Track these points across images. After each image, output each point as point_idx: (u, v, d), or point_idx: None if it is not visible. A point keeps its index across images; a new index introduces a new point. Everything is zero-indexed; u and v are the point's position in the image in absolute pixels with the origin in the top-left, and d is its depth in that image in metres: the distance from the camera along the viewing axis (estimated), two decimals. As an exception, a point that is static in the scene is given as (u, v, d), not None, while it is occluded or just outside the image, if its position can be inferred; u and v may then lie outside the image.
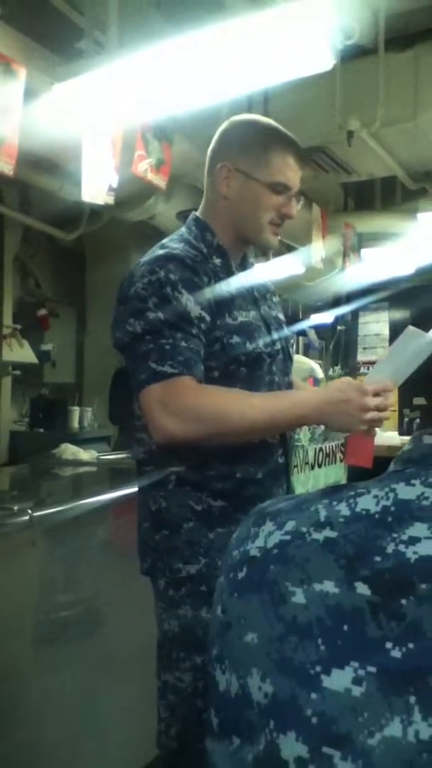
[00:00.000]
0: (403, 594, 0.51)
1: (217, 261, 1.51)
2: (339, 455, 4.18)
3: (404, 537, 0.54)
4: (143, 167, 3.32)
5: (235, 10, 2.53)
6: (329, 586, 0.54)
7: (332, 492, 0.62)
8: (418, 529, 0.54)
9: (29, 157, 2.86)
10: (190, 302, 1.38)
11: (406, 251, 5.67)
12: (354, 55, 3.71)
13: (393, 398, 1.45)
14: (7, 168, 2.68)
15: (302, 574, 0.56)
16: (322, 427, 2.96)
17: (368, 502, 0.58)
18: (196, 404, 1.34)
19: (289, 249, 5.41)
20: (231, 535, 1.45)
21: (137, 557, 1.55)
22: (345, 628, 0.52)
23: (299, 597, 0.55)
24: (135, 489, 1.58)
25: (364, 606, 0.52)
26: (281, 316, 1.67)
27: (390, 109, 3.78)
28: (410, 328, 1.37)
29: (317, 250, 5.03)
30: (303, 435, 3.07)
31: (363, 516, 0.57)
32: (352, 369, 7.52)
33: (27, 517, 1.90)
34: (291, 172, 1.52)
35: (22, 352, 5.30)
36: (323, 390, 1.44)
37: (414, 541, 0.53)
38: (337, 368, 7.50)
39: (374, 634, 0.51)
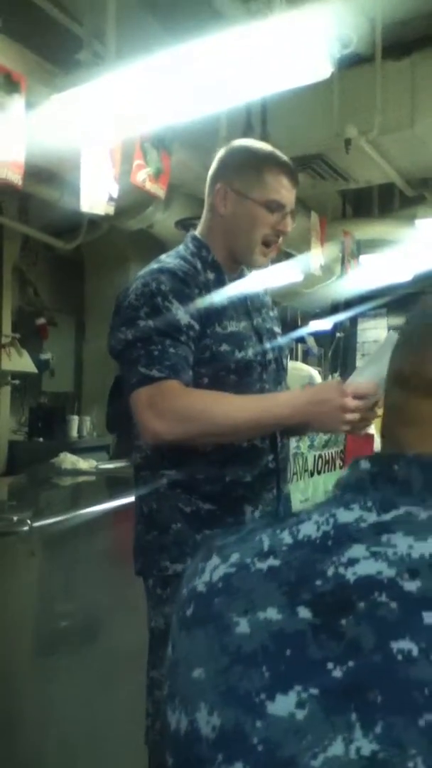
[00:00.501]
0: (342, 614, 0.52)
1: (211, 276, 1.58)
2: (338, 462, 4.18)
3: (344, 559, 0.55)
4: (142, 176, 3.33)
5: (233, 20, 2.54)
6: (272, 613, 0.54)
7: (276, 521, 0.63)
8: (356, 550, 0.55)
9: (29, 167, 2.87)
10: (179, 311, 1.46)
11: (405, 258, 5.68)
12: (351, 63, 3.73)
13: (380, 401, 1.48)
14: (16, 179, 2.70)
15: (246, 604, 0.56)
16: (321, 434, 2.96)
17: (310, 528, 0.59)
18: (181, 405, 1.41)
19: (288, 256, 5.42)
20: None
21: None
22: (288, 652, 0.52)
23: (243, 627, 0.55)
24: (133, 498, 1.60)
25: (306, 629, 0.52)
26: (277, 329, 1.73)
27: (387, 116, 3.80)
28: (391, 332, 1.42)
29: (316, 257, 5.05)
30: (302, 443, 3.07)
31: (305, 542, 0.58)
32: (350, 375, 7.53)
33: (26, 528, 1.89)
34: (285, 190, 1.59)
35: (21, 362, 5.30)
36: (306, 391, 1.48)
37: (353, 562, 0.54)
38: (336, 375, 7.52)
39: (315, 655, 0.51)
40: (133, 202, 4.32)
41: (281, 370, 1.68)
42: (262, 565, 0.58)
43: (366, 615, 0.51)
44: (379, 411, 1.46)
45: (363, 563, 0.54)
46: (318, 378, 5.52)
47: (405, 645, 0.49)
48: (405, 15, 3.58)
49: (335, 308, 7.59)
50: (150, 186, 3.41)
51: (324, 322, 7.75)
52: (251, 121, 3.78)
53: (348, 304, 7.34)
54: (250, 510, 1.54)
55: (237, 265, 1.66)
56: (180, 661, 0.59)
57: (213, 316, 1.52)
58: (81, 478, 3.12)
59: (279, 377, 1.66)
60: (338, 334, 7.87)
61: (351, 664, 0.50)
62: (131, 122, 3.01)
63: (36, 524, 1.94)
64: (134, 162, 3.29)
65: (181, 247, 1.64)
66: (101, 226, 4.96)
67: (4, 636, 1.91)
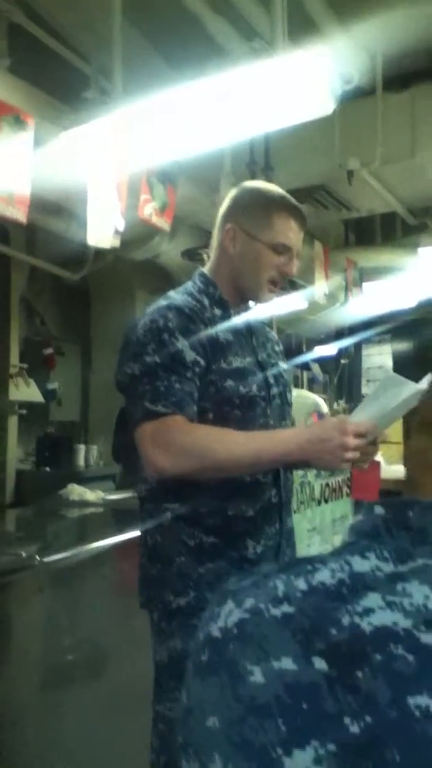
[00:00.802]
0: (358, 666, 0.51)
1: (217, 312, 1.62)
2: (345, 490, 4.17)
3: (359, 608, 0.54)
4: (148, 211, 3.38)
5: (237, 58, 2.59)
6: (287, 663, 0.53)
7: (290, 566, 0.61)
8: (372, 599, 0.54)
9: (37, 200, 2.92)
10: (185, 347, 1.49)
11: (408, 285, 5.71)
12: (352, 96, 3.78)
13: (384, 436, 1.53)
14: (20, 215, 2.74)
15: (260, 652, 0.55)
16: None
17: (324, 575, 0.58)
18: (184, 440, 1.44)
19: (293, 285, 5.46)
20: (221, 570, 1.49)
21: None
22: (304, 705, 0.50)
23: (257, 676, 0.53)
24: (140, 532, 1.61)
25: (321, 681, 0.51)
26: (282, 364, 1.75)
27: (389, 147, 3.85)
28: (389, 373, 1.44)
29: (320, 286, 5.08)
30: (309, 471, 3.07)
31: (319, 589, 0.57)
32: (356, 402, 7.53)
33: (35, 564, 1.89)
34: (292, 233, 1.63)
35: (29, 391, 5.33)
36: (306, 428, 1.53)
37: (368, 611, 0.53)
38: (342, 402, 7.52)
39: (332, 709, 0.50)
40: (139, 234, 4.36)
41: (285, 405, 1.71)
42: (277, 612, 0.57)
43: (382, 668, 0.50)
44: (380, 447, 1.47)
45: (379, 613, 0.53)
46: (324, 406, 5.54)
47: (423, 701, 0.48)
48: (404, 49, 3.64)
49: (339, 334, 7.62)
50: (156, 220, 3.46)
51: (328, 348, 7.76)
52: (254, 155, 3.83)
53: (352, 330, 7.37)
54: (252, 544, 1.55)
55: (243, 301, 1.69)
56: (194, 709, 0.57)
57: (218, 352, 1.55)
58: (88, 510, 3.12)
59: (283, 412, 1.69)
60: (343, 361, 7.88)
61: (368, 719, 0.48)
62: (137, 157, 3.07)
63: (45, 560, 1.94)
64: (141, 196, 3.34)
65: (189, 284, 1.68)
66: (107, 256, 5.01)
67: (13, 670, 1.91)
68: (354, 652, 0.51)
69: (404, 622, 0.52)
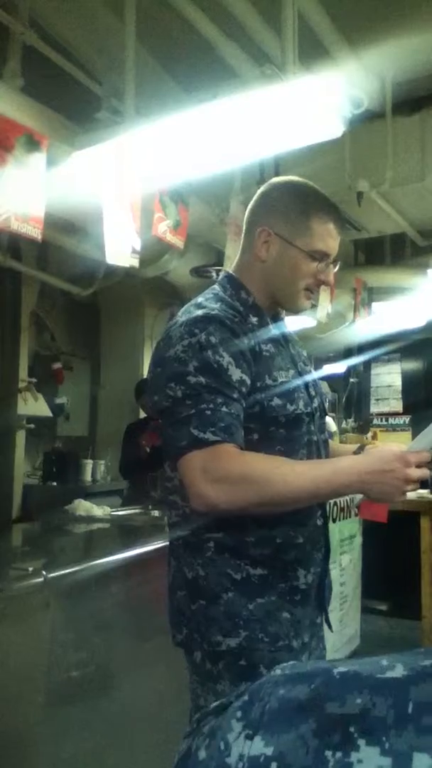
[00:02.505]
0: None
1: (254, 320, 1.49)
2: (353, 510, 4.17)
3: None
4: (162, 228, 3.43)
5: (249, 82, 2.63)
6: None
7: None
8: None
9: (48, 218, 2.95)
10: (231, 366, 1.36)
11: (417, 305, 5.73)
12: (363, 119, 3.82)
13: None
14: (36, 233, 2.78)
15: None
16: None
17: None
18: (238, 472, 1.30)
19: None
20: (271, 605, 1.39)
21: (149, 616, 1.55)
22: None
23: None
24: (148, 548, 1.59)
25: None
26: (313, 371, 1.64)
27: (398, 170, 3.88)
28: None
29: (324, 306, 5.10)
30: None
31: None
32: (365, 421, 7.52)
33: (41, 579, 1.90)
34: (331, 239, 1.51)
35: (37, 406, 5.36)
36: (366, 458, 1.37)
37: None
38: (350, 421, 7.51)
39: None
40: (149, 251, 4.41)
41: (323, 416, 1.60)
42: None
43: None
44: None
45: None
46: (332, 425, 5.54)
47: None
48: (414, 73, 3.68)
49: (348, 353, 7.63)
50: (170, 237, 3.50)
51: (337, 366, 7.77)
52: (264, 174, 3.87)
53: (361, 348, 7.38)
54: (303, 573, 1.45)
55: (275, 307, 1.57)
56: None
57: (262, 367, 1.43)
58: (95, 526, 3.13)
59: (323, 426, 1.59)
60: (352, 379, 7.88)
61: None
62: (150, 177, 3.11)
63: (51, 575, 1.94)
64: (155, 215, 3.38)
65: (217, 288, 1.54)
66: (117, 273, 5.05)
67: (18, 686, 1.91)
68: None
69: None
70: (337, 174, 3.96)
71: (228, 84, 2.86)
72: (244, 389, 1.38)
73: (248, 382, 1.39)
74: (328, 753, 0.38)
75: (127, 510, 3.65)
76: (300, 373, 1.53)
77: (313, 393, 1.55)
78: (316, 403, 1.55)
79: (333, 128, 2.57)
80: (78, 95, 3.38)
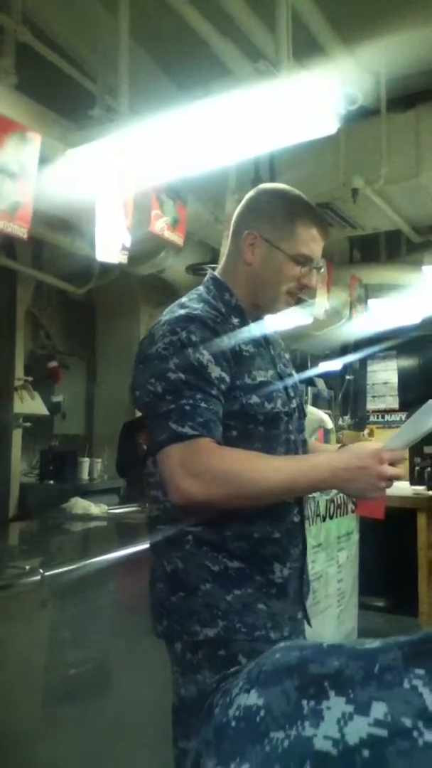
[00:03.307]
0: None
1: (236, 321, 1.54)
2: (350, 506, 4.17)
3: None
4: (160, 225, 3.42)
5: (243, 78, 2.63)
6: None
7: (424, 654, 0.45)
8: None
9: (43, 216, 2.95)
10: (210, 363, 1.40)
11: (413, 302, 5.73)
12: (357, 116, 3.83)
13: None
14: (22, 232, 2.77)
15: None
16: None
17: None
18: (216, 466, 1.34)
19: (297, 300, 5.47)
20: (248, 597, 1.43)
21: (147, 616, 1.53)
22: None
23: None
24: (146, 546, 1.58)
25: None
26: (293, 373, 1.68)
27: (393, 167, 3.89)
28: (430, 402, 1.40)
29: (321, 303, 5.10)
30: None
31: None
32: (361, 418, 7.53)
33: (38, 577, 1.90)
34: (315, 244, 1.55)
35: (33, 404, 5.35)
36: (341, 455, 1.42)
37: None
38: (347, 418, 7.52)
39: None
40: (145, 249, 4.40)
41: (302, 417, 1.64)
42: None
43: None
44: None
45: None
46: (329, 422, 5.55)
47: None
48: (408, 70, 3.68)
49: (345, 350, 7.63)
50: (168, 235, 3.50)
51: (333, 364, 7.78)
52: (259, 172, 3.87)
53: (357, 346, 7.39)
54: (279, 567, 1.48)
55: (257, 309, 1.61)
56: None
57: (242, 366, 1.47)
58: (92, 524, 3.12)
59: (301, 425, 1.63)
60: (348, 377, 7.89)
61: None
62: (144, 175, 3.11)
63: (48, 573, 1.94)
64: (152, 212, 3.38)
65: (201, 289, 1.59)
66: (113, 271, 5.05)
67: (15, 685, 1.91)
68: None
69: None
70: (332, 171, 3.97)
71: (222, 81, 2.87)
72: (223, 386, 1.41)
73: (227, 380, 1.42)
74: (304, 702, 0.46)
75: (124, 508, 3.64)
76: (279, 374, 1.58)
77: (291, 393, 1.59)
78: (294, 404, 1.59)
79: (327, 125, 2.57)
80: (72, 92, 3.38)
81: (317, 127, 2.58)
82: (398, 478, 1.40)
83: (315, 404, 7.01)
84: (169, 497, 1.38)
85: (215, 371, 1.40)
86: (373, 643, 0.49)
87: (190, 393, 1.37)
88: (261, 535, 1.46)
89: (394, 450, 1.40)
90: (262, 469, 1.36)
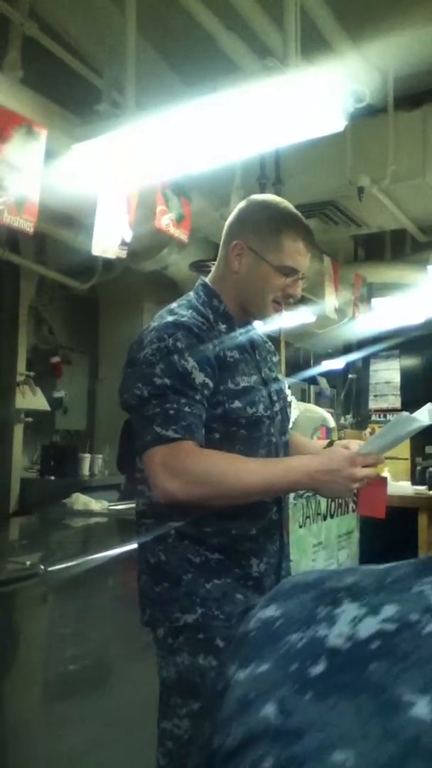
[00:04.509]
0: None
1: (222, 327, 1.59)
2: (351, 505, 4.16)
3: None
4: (166, 221, 3.42)
5: (250, 75, 2.61)
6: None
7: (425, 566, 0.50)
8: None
9: (47, 210, 2.94)
10: (195, 369, 1.46)
11: (417, 301, 5.72)
12: (364, 114, 3.81)
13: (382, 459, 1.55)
14: (28, 226, 2.77)
15: (423, 678, 0.42)
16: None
17: None
18: (196, 467, 1.42)
19: (303, 299, 5.47)
20: (227, 586, 1.49)
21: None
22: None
23: (422, 709, 0.40)
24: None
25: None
26: (280, 377, 1.75)
27: (399, 165, 3.87)
28: (403, 414, 1.49)
29: (330, 300, 5.09)
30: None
31: None
32: (363, 417, 7.52)
33: (39, 573, 1.90)
34: (300, 256, 1.60)
35: (35, 400, 5.35)
36: (316, 457, 1.51)
37: None
38: (349, 416, 7.51)
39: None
40: (148, 245, 4.40)
41: (286, 420, 1.71)
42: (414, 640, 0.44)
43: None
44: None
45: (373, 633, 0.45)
46: (331, 421, 5.54)
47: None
48: (416, 68, 3.66)
49: (348, 349, 7.63)
50: (173, 230, 3.50)
51: (336, 362, 7.77)
52: (265, 169, 3.85)
53: (360, 345, 7.37)
54: (256, 562, 1.55)
55: (246, 315, 1.66)
56: (304, 732, 0.44)
57: (226, 371, 1.53)
58: (93, 520, 3.12)
59: (284, 428, 1.68)
60: (350, 376, 7.87)
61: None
62: (149, 170, 3.09)
63: (49, 569, 1.94)
64: (157, 208, 3.37)
65: (192, 295, 1.64)
66: (116, 267, 5.04)
67: (17, 680, 1.91)
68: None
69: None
70: (338, 169, 3.95)
71: (229, 77, 2.85)
72: (206, 392, 1.48)
73: (211, 385, 1.49)
74: (320, 608, 0.50)
75: (124, 504, 3.64)
76: (264, 379, 1.64)
77: (275, 398, 1.65)
78: (277, 408, 1.65)
79: (334, 122, 2.56)
80: (78, 87, 3.37)
81: (324, 125, 2.56)
82: (369, 478, 1.49)
83: (317, 402, 7.01)
84: (153, 494, 1.46)
85: (199, 377, 1.46)
86: (386, 566, 0.54)
87: (175, 398, 1.43)
88: (239, 532, 1.53)
89: (367, 454, 1.48)
90: (239, 471, 1.44)
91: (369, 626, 0.46)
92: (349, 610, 0.49)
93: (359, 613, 0.48)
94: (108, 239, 3.16)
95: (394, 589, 0.49)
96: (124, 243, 3.27)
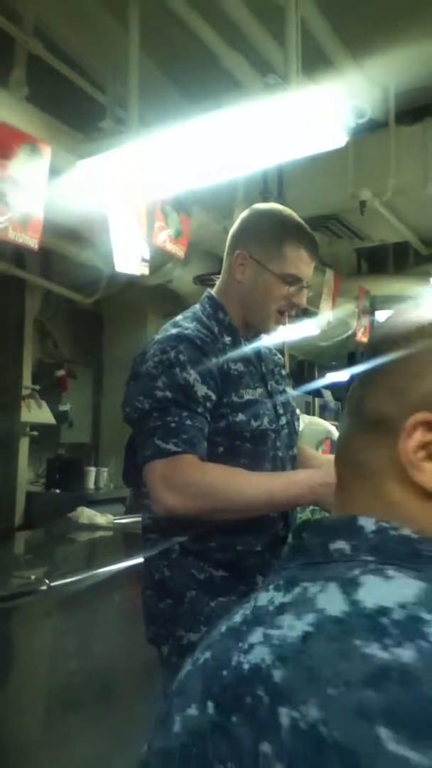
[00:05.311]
0: (235, 710, 0.46)
1: (227, 339, 1.58)
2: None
3: (245, 646, 0.49)
4: (162, 238, 3.44)
5: (252, 92, 2.64)
6: (192, 710, 0.50)
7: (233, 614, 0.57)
8: (257, 635, 0.50)
9: (52, 226, 2.96)
10: (197, 382, 1.45)
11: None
12: (366, 128, 3.84)
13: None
14: (33, 242, 2.79)
15: (183, 700, 0.52)
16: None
17: (237, 615, 0.55)
18: (195, 481, 1.40)
19: (304, 311, 5.48)
20: (232, 604, 1.48)
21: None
22: (194, 750, 0.48)
23: (177, 725, 0.51)
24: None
25: (207, 727, 0.47)
26: (289, 389, 1.72)
27: (401, 179, 3.89)
28: None
29: (325, 314, 5.10)
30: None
31: (230, 629, 0.53)
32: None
33: (44, 587, 1.90)
34: (303, 265, 1.58)
35: (40, 413, 5.35)
36: (318, 471, 1.47)
37: (251, 648, 0.49)
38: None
39: (210, 755, 0.46)
40: (152, 259, 4.41)
41: (293, 433, 1.67)
42: (200, 658, 0.54)
43: (249, 712, 0.45)
44: None
45: (256, 649, 0.48)
46: (336, 433, 5.53)
47: (266, 748, 0.43)
48: (417, 83, 3.69)
49: (352, 361, 7.62)
50: (170, 247, 3.52)
51: (340, 374, 7.77)
52: (268, 183, 3.88)
53: (365, 357, 7.36)
54: (262, 579, 1.51)
55: (252, 327, 1.64)
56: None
57: (230, 384, 1.51)
58: (98, 534, 3.13)
59: (291, 442, 1.65)
60: (355, 387, 7.86)
61: (230, 766, 0.45)
62: (154, 186, 3.12)
63: (54, 583, 1.94)
64: (156, 224, 3.39)
65: (197, 307, 1.63)
66: (120, 281, 5.06)
67: (20, 695, 1.91)
68: (234, 694, 0.47)
69: (268, 658, 0.47)
70: (340, 183, 3.97)
71: (231, 94, 2.88)
72: (209, 405, 1.46)
73: (214, 398, 1.47)
74: None
75: (130, 518, 3.65)
76: (269, 392, 1.61)
77: (281, 411, 1.62)
78: (283, 421, 1.62)
79: (336, 138, 2.58)
80: (82, 104, 3.40)
81: (326, 140, 2.59)
82: None
83: (322, 415, 7.00)
84: (153, 508, 1.45)
85: (201, 390, 1.45)
86: None
87: (176, 411, 1.42)
88: (244, 548, 1.50)
89: None
90: (240, 485, 1.42)
91: (186, 666, 0.56)
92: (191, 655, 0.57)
93: (190, 659, 0.56)
94: (129, 256, 3.19)
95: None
96: (144, 259, 3.29)
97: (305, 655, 0.45)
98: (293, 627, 0.48)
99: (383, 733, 0.40)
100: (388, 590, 0.48)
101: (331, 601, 0.48)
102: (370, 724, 0.40)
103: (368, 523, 0.55)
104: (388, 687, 0.41)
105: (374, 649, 0.43)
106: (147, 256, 3.22)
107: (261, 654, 0.47)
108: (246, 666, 0.47)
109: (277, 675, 0.45)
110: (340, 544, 0.55)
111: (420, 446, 0.55)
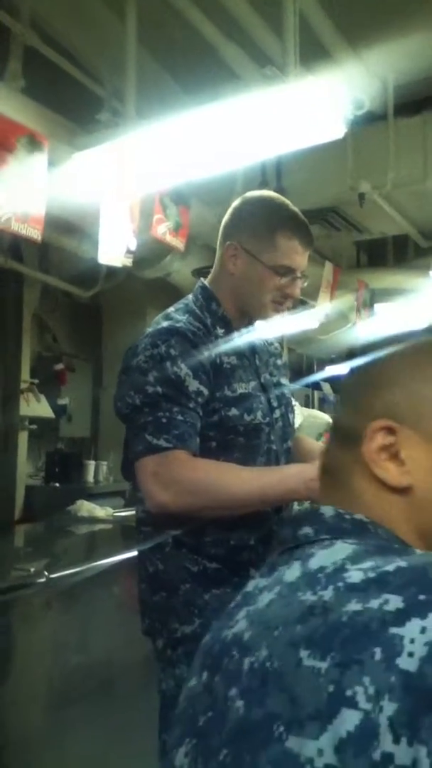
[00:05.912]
0: (217, 672, 0.58)
1: (220, 331, 1.55)
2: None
3: (232, 623, 0.60)
4: (162, 230, 3.43)
5: (250, 83, 2.63)
6: (193, 680, 0.61)
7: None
8: (242, 613, 0.61)
9: (50, 219, 2.95)
10: (188, 377, 1.42)
11: (420, 306, 5.72)
12: (365, 121, 3.82)
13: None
14: (36, 234, 2.78)
15: (192, 672, 0.64)
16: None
17: (233, 602, 0.66)
18: (187, 477, 1.39)
19: (302, 303, 5.47)
20: (226, 596, 1.44)
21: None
22: (189, 711, 0.59)
23: (184, 692, 0.63)
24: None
25: (200, 689, 0.59)
26: (284, 381, 1.68)
27: (400, 171, 3.88)
28: None
29: (322, 307, 5.10)
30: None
31: (226, 613, 0.64)
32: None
33: (44, 580, 1.91)
34: (297, 255, 1.54)
35: (39, 407, 5.35)
36: (312, 465, 1.42)
37: (236, 624, 0.60)
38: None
39: (197, 710, 0.58)
40: (151, 253, 4.41)
41: (288, 427, 1.64)
42: (207, 637, 0.65)
43: (225, 669, 0.57)
44: None
45: (240, 623, 0.59)
46: (333, 426, 5.53)
47: (233, 693, 0.54)
48: (416, 75, 3.68)
49: (351, 354, 7.62)
50: (170, 239, 3.51)
51: (339, 368, 7.76)
52: (266, 176, 3.87)
53: (364, 349, 7.36)
54: (254, 573, 1.50)
55: (246, 318, 1.61)
56: None
57: (222, 378, 1.49)
58: (97, 527, 3.13)
59: (285, 435, 1.62)
60: (354, 381, 7.87)
61: (209, 714, 0.56)
62: (150, 178, 3.11)
63: (53, 576, 1.95)
64: (154, 216, 3.38)
65: (190, 298, 1.60)
66: (119, 274, 5.05)
67: (20, 688, 1.91)
68: (217, 659, 0.59)
69: (244, 626, 0.58)
70: (339, 175, 3.96)
71: (229, 85, 2.87)
72: (200, 399, 1.44)
73: (206, 392, 1.45)
74: None
75: (129, 511, 3.65)
76: (263, 385, 1.58)
77: (274, 404, 1.59)
78: (277, 414, 1.59)
79: (334, 130, 2.57)
80: (79, 96, 3.39)
81: (324, 132, 2.58)
82: None
83: (321, 408, 7.01)
84: (145, 503, 1.45)
85: (193, 384, 1.43)
86: None
87: (167, 406, 1.40)
88: (237, 543, 1.49)
89: None
90: (232, 480, 1.40)
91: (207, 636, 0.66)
92: (216, 623, 0.66)
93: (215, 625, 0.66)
94: (113, 248, 3.18)
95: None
96: (129, 251, 3.28)
97: (265, 614, 0.57)
98: (264, 599, 0.59)
99: (303, 653, 0.50)
100: (329, 555, 0.58)
101: (292, 572, 0.59)
102: (296, 650, 0.51)
103: (328, 511, 0.66)
104: (310, 620, 0.52)
105: (308, 596, 0.54)
106: (133, 248, 3.21)
107: (241, 626, 0.59)
108: (229, 637, 0.59)
109: (246, 635, 0.57)
110: (306, 530, 0.65)
111: (382, 448, 0.65)
